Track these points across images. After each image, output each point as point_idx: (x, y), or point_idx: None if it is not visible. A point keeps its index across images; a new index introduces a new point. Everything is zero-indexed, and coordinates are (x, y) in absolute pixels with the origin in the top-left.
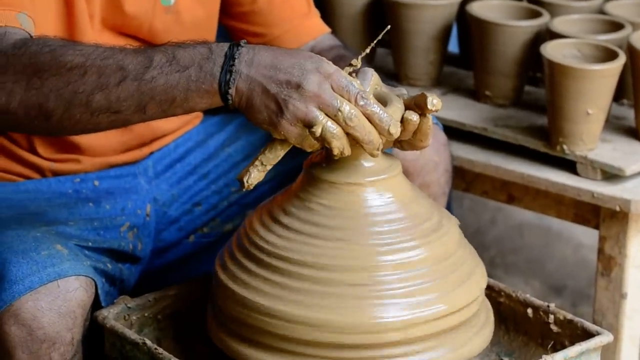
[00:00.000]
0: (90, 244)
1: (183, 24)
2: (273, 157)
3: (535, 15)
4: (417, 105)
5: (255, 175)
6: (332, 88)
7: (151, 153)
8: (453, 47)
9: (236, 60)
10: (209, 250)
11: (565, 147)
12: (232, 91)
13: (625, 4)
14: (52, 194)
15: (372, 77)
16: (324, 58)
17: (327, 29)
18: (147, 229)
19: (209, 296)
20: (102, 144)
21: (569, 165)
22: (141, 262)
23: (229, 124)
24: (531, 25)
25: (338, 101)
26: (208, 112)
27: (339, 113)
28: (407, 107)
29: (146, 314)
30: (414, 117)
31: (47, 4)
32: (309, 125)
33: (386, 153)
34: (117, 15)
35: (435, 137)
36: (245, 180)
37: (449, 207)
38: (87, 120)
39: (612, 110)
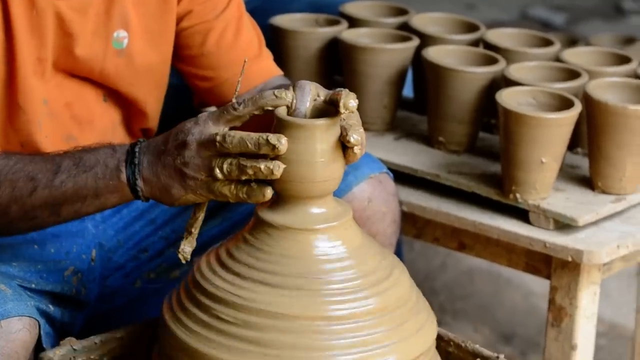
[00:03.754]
0: (33, 285)
1: (135, 67)
2: (192, 220)
3: (492, 61)
4: (332, 102)
5: (184, 245)
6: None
7: None
8: (408, 91)
9: (137, 153)
10: (155, 295)
11: (518, 195)
12: (139, 182)
13: (582, 52)
14: None
15: (311, 90)
16: (207, 112)
17: (278, 71)
18: (92, 274)
19: (155, 340)
20: None
21: (521, 214)
22: (86, 308)
23: None
24: (487, 71)
25: (217, 144)
26: None
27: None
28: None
29: (92, 357)
30: (352, 137)
31: None
32: (210, 173)
33: (337, 199)
34: (68, 58)
35: (384, 187)
36: (179, 255)
37: (398, 255)
38: (7, 228)
39: (566, 159)
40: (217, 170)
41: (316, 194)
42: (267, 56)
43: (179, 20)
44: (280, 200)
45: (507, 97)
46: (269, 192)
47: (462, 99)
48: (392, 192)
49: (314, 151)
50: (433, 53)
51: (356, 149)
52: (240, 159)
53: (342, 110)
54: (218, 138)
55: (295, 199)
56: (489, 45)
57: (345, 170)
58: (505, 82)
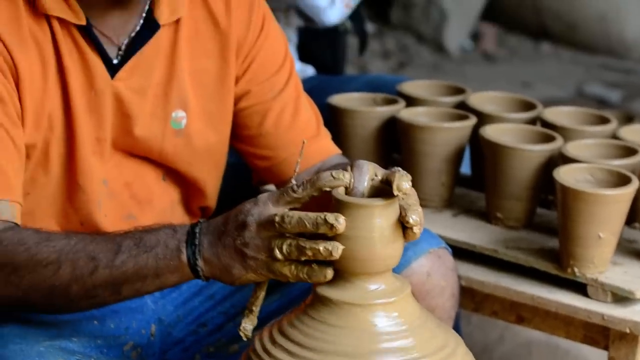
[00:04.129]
0: None
1: (194, 147)
2: (253, 299)
3: (549, 139)
4: (388, 183)
5: (245, 323)
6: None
7: None
8: (465, 168)
9: (197, 233)
10: None
11: (576, 269)
12: (200, 262)
13: (638, 129)
14: None
15: (369, 170)
16: (267, 192)
17: (336, 150)
18: (151, 349)
19: None
20: None
21: (579, 287)
22: None
23: None
24: (544, 149)
25: (276, 224)
26: None
27: (286, 225)
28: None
29: None
30: (411, 218)
31: (48, 130)
32: (270, 253)
33: (395, 274)
34: (127, 139)
35: (443, 262)
36: (240, 333)
37: (456, 328)
38: (68, 307)
39: (624, 233)
40: (277, 251)
41: (375, 271)
42: (325, 135)
43: (237, 100)
44: (338, 276)
45: (564, 174)
46: (329, 273)
47: (519, 176)
48: (451, 267)
49: (372, 231)
50: (490, 131)
51: (415, 229)
52: (299, 240)
53: (395, 192)
54: (277, 219)
55: (353, 276)
56: (546, 124)
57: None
58: (563, 159)
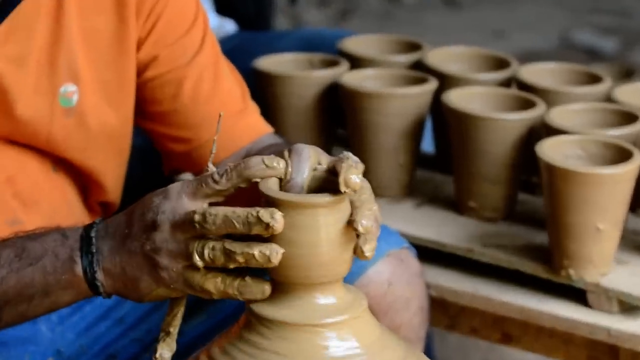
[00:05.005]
0: None
1: (89, 129)
2: (170, 317)
3: (528, 105)
4: (335, 173)
5: (162, 349)
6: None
7: None
8: (427, 145)
9: (93, 239)
10: None
11: (571, 271)
12: (99, 275)
13: (639, 88)
14: None
15: (310, 157)
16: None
17: (267, 129)
18: None
19: None
20: None
21: (577, 294)
22: None
23: None
24: (523, 118)
25: (196, 224)
26: None
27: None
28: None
29: None
30: (361, 224)
31: None
32: (188, 260)
33: (347, 285)
34: (7, 122)
35: (406, 266)
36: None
37: (428, 352)
38: None
39: (628, 222)
40: (197, 257)
41: (322, 282)
42: (254, 110)
43: (144, 69)
44: (277, 289)
45: (549, 150)
46: (267, 289)
47: (494, 153)
48: (417, 272)
49: (317, 233)
50: (455, 97)
51: (369, 237)
52: (225, 242)
53: (342, 188)
54: (197, 218)
55: (296, 288)
56: (523, 85)
57: None
58: (547, 130)
